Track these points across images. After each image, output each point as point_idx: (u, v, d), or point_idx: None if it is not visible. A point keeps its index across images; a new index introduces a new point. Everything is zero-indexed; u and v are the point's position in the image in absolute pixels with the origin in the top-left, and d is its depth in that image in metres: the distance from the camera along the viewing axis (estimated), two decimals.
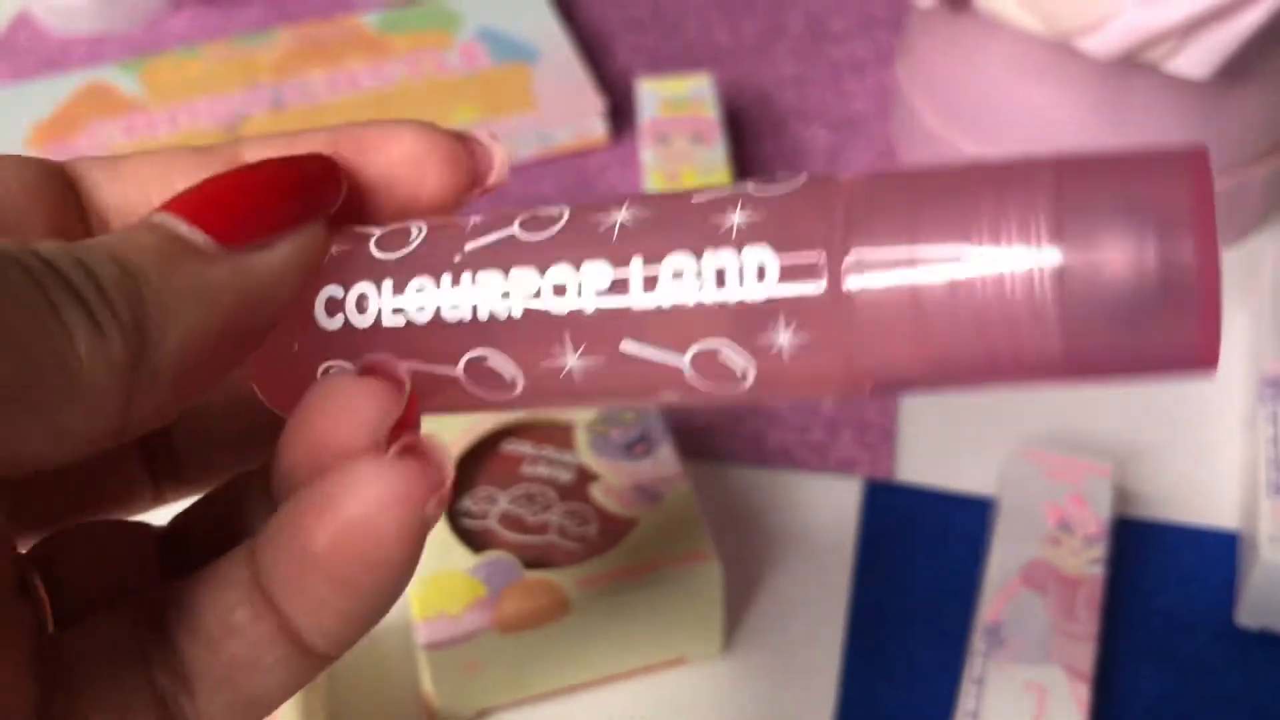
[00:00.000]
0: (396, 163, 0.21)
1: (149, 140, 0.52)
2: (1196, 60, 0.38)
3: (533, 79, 0.54)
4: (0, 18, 0.62)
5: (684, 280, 0.18)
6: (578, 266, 0.19)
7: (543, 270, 0.19)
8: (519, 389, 0.19)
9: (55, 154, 0.52)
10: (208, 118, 0.53)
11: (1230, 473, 0.40)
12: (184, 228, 0.18)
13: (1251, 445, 0.39)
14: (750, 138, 0.53)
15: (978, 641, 0.34)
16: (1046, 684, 0.32)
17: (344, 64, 0.55)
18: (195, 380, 0.17)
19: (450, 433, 0.38)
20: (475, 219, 0.20)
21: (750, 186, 0.18)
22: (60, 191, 0.20)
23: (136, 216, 0.20)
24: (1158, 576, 0.38)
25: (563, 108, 0.52)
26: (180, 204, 0.18)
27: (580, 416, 0.38)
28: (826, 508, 0.40)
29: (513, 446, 0.38)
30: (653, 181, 0.47)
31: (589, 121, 0.53)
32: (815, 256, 0.17)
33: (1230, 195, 0.46)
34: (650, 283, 0.18)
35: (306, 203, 0.19)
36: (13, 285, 0.15)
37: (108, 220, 0.21)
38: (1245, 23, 0.37)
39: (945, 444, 0.42)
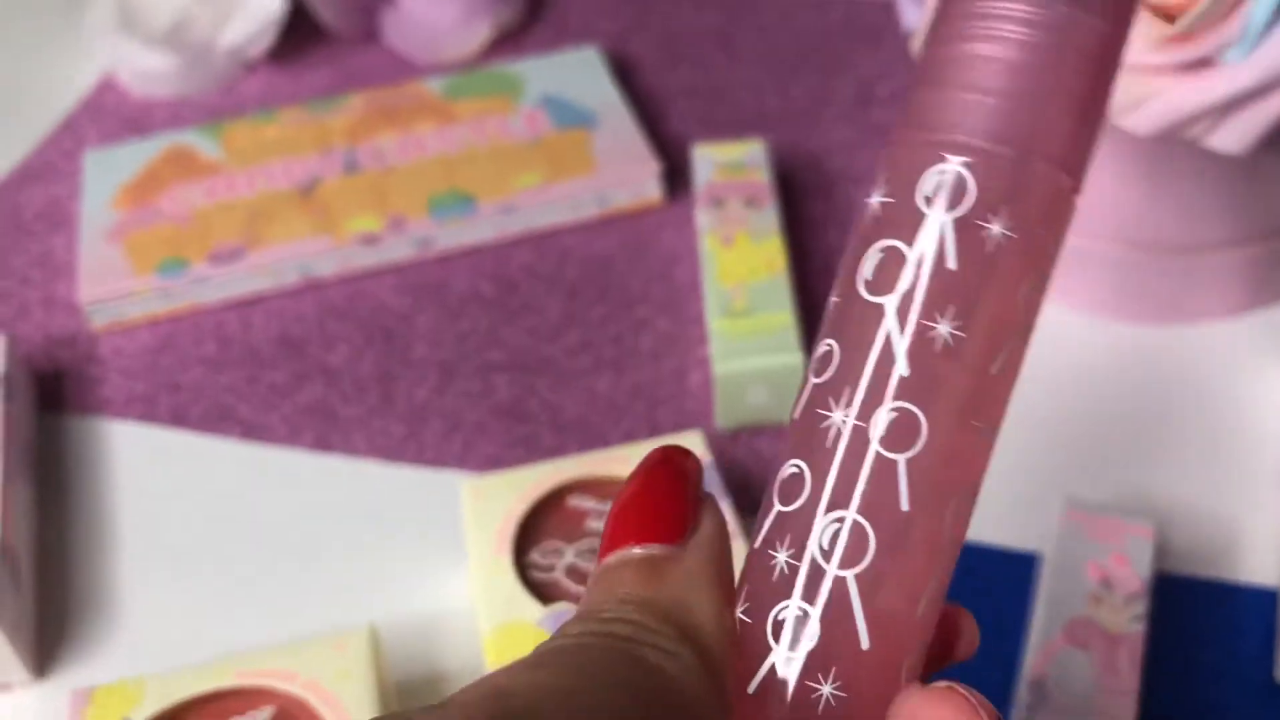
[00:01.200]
0: None
1: (228, 200, 0.55)
2: (1234, 137, 0.40)
3: (592, 143, 0.56)
4: (85, 81, 0.66)
5: None
6: None
7: None
8: None
9: (139, 215, 0.55)
10: (284, 180, 0.56)
11: (1270, 530, 0.42)
12: None
13: None
14: (801, 200, 0.55)
15: (1023, 695, 0.35)
16: None
17: (412, 128, 0.58)
18: None
19: (518, 488, 0.40)
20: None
21: None
22: None
23: None
24: (1198, 632, 0.39)
25: (621, 171, 0.55)
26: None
27: None
28: None
29: (578, 501, 0.41)
30: (708, 243, 0.49)
31: (646, 184, 0.55)
32: None
33: (1272, 259, 0.47)
34: None
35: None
36: None
37: None
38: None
39: (990, 497, 0.43)
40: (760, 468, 0.45)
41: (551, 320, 0.51)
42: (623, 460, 0.41)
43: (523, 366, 0.50)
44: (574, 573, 0.38)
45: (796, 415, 0.22)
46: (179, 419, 0.49)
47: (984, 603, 0.40)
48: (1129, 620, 0.37)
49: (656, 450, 0.24)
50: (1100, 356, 0.48)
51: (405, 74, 0.64)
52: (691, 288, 0.52)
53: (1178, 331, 0.49)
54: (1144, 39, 0.39)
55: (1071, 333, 0.49)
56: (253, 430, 0.48)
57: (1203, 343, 0.48)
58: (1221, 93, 0.39)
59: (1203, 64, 0.39)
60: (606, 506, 0.40)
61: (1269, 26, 0.38)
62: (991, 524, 0.42)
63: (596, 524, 0.40)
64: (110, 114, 0.64)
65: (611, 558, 0.22)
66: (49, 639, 0.42)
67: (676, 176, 0.56)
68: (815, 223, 0.54)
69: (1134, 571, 0.38)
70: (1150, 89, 0.39)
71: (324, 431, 0.48)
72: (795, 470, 0.21)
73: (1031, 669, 0.36)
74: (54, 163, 0.61)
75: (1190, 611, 0.40)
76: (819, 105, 0.60)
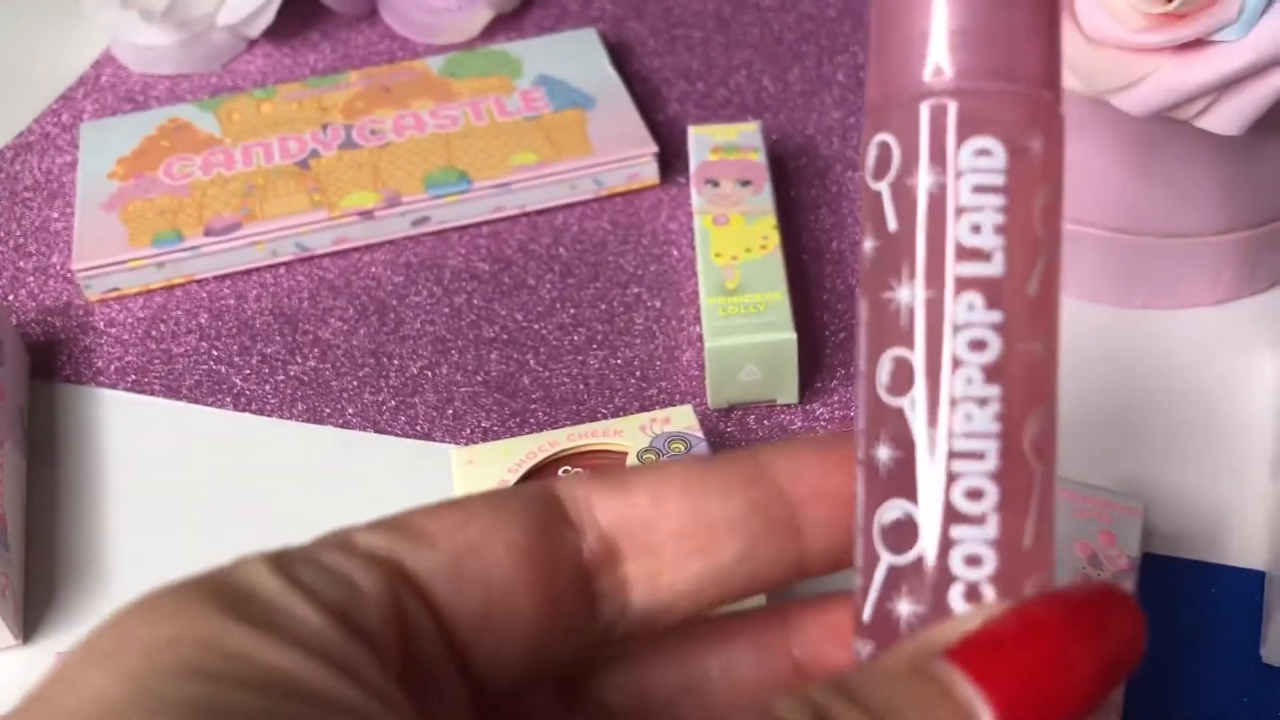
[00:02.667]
0: None
1: (225, 174, 0.55)
2: (1228, 118, 0.40)
3: (589, 124, 0.56)
4: (85, 57, 0.66)
5: None
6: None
7: None
8: None
9: (136, 186, 0.55)
10: (281, 155, 0.56)
11: (1257, 514, 0.42)
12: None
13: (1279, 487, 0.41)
14: (796, 182, 0.55)
15: None
16: None
17: (410, 105, 0.58)
18: None
19: (509, 458, 0.40)
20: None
21: None
22: (540, 509, 0.20)
23: (653, 523, 0.20)
24: (1186, 613, 0.39)
25: (617, 152, 0.55)
26: (998, 687, 0.16)
27: (633, 444, 0.40)
28: None
29: (569, 472, 0.40)
30: (702, 223, 0.49)
31: (642, 165, 0.55)
32: None
33: (1262, 245, 0.47)
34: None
35: (1103, 695, 0.17)
36: None
37: (608, 525, 0.20)
38: (1275, 83, 0.39)
39: None
40: (751, 444, 0.45)
41: (545, 298, 0.51)
42: (615, 433, 0.41)
43: (515, 343, 0.50)
44: None
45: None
46: (171, 389, 0.49)
47: None
48: None
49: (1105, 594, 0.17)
50: (1090, 340, 0.48)
51: (404, 54, 0.64)
52: (686, 269, 0.52)
53: (1167, 316, 0.49)
54: (1139, 18, 0.39)
55: (1062, 316, 0.49)
56: (245, 401, 0.48)
57: (1192, 328, 0.48)
58: (1217, 73, 0.39)
59: (1198, 44, 0.39)
60: None
61: (1265, 6, 0.38)
62: None
63: None
64: (108, 90, 0.64)
65: (963, 688, 0.16)
66: (37, 603, 0.42)
67: (672, 158, 0.56)
68: (809, 204, 0.54)
69: (1122, 550, 0.38)
70: (1144, 69, 0.40)
71: (315, 403, 0.48)
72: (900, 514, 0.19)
73: None
74: (51, 135, 0.61)
75: (1178, 592, 0.40)
76: (815, 89, 0.60)
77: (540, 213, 0.55)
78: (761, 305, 0.45)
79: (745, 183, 0.51)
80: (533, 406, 0.47)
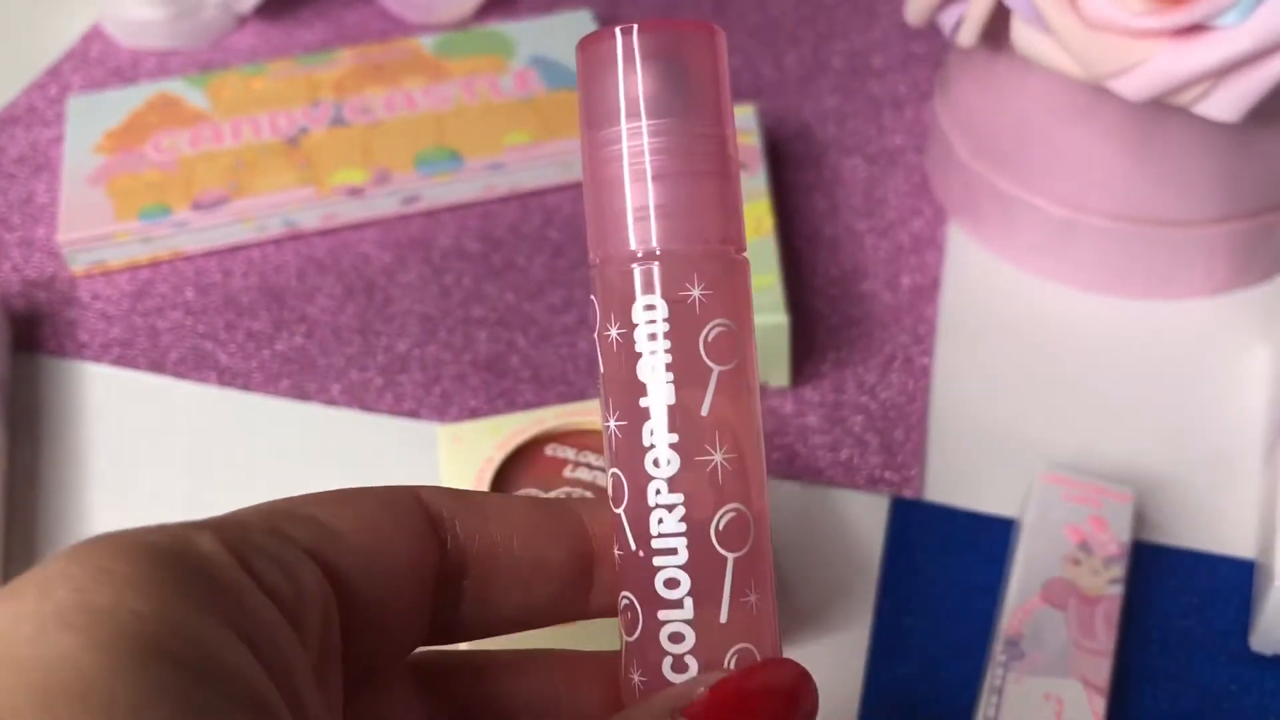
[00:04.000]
0: None
1: (214, 149, 0.54)
2: (1226, 104, 0.40)
3: None
4: (74, 30, 0.65)
5: None
6: None
7: None
8: None
9: (123, 160, 0.54)
10: (270, 131, 0.55)
11: (1250, 504, 0.42)
12: None
13: (1270, 477, 0.40)
14: (791, 167, 0.55)
15: (998, 653, 0.35)
16: (1064, 696, 0.34)
17: (402, 84, 0.57)
18: None
19: (496, 436, 0.40)
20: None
21: None
22: (417, 519, 0.22)
23: (497, 554, 0.22)
24: (1176, 601, 0.39)
25: None
26: None
27: None
28: (855, 523, 0.42)
29: (555, 451, 0.40)
30: None
31: None
32: None
33: (1258, 236, 0.47)
34: None
35: None
36: None
37: (465, 549, 0.22)
38: (1273, 69, 0.38)
39: (972, 466, 0.43)
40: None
41: (535, 278, 0.51)
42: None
43: (505, 323, 0.49)
44: None
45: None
46: (156, 364, 0.48)
47: (965, 565, 0.40)
48: (1107, 583, 0.37)
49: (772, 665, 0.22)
50: (1086, 330, 0.48)
51: (397, 33, 0.63)
52: None
53: (1162, 307, 0.48)
54: (1138, 2, 0.39)
55: (1057, 305, 0.49)
56: (230, 376, 0.48)
57: (1187, 318, 0.48)
58: (1215, 58, 0.38)
59: (1197, 29, 0.39)
60: (584, 457, 0.40)
61: None
62: (974, 491, 0.42)
63: (572, 474, 0.39)
64: (97, 63, 0.63)
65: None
66: (16, 575, 0.41)
67: None
68: (804, 188, 0.54)
69: (1113, 535, 0.38)
70: (1143, 53, 0.39)
71: (301, 380, 0.47)
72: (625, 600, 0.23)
73: (1007, 627, 0.35)
74: (38, 108, 0.60)
75: (1169, 580, 0.40)
76: (811, 74, 0.60)
77: (532, 193, 0.55)
78: (755, 288, 0.45)
79: (740, 165, 0.50)
80: (521, 386, 0.47)
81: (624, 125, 0.22)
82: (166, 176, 0.53)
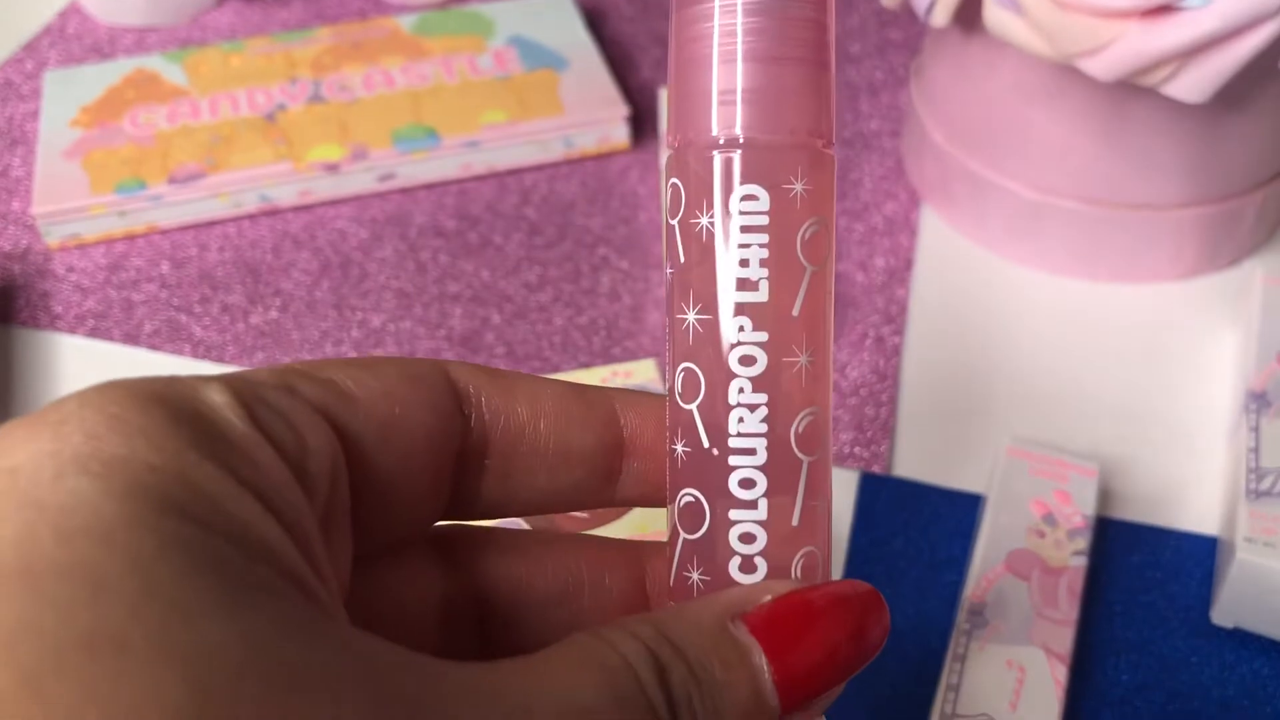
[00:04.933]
0: None
1: (191, 124, 0.54)
2: (1193, 86, 0.40)
3: (561, 85, 0.56)
4: (51, 6, 0.65)
5: None
6: None
7: None
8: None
9: (100, 134, 0.54)
10: (248, 107, 0.55)
11: (1214, 481, 0.42)
12: (769, 689, 0.19)
13: (1233, 456, 0.41)
14: None
15: (962, 621, 0.35)
16: (1026, 663, 0.34)
17: (380, 62, 0.57)
18: None
19: None
20: None
21: None
22: (442, 393, 0.21)
23: (523, 435, 0.22)
24: (1139, 575, 0.40)
25: (588, 113, 0.54)
26: (783, 666, 0.19)
27: None
28: None
29: None
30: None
31: (613, 127, 0.55)
32: None
33: (1224, 222, 0.48)
34: None
35: (853, 674, 0.20)
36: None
37: (490, 428, 0.22)
38: (1240, 50, 0.39)
39: (941, 444, 0.44)
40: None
41: (511, 256, 0.51)
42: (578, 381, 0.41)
43: (480, 299, 0.49)
44: None
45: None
46: (130, 336, 0.48)
47: (931, 538, 0.40)
48: (1070, 555, 0.37)
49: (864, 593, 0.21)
50: (1054, 312, 0.48)
51: (376, 12, 0.63)
52: (654, 232, 0.52)
53: (1130, 290, 0.49)
54: None
55: (1027, 288, 0.49)
56: (204, 349, 0.48)
57: (1154, 302, 0.49)
58: (1183, 39, 0.39)
59: (1165, 10, 0.39)
60: None
61: None
62: (942, 468, 0.43)
63: None
64: (74, 40, 0.63)
65: (758, 657, 0.19)
66: None
67: (644, 123, 0.56)
68: None
69: (1077, 508, 0.38)
70: (1112, 33, 0.40)
71: (275, 353, 0.47)
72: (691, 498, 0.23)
73: (971, 595, 0.36)
74: (14, 83, 0.60)
75: (1133, 555, 0.40)
76: None
77: (509, 173, 0.55)
78: None
79: None
80: (495, 361, 0.47)
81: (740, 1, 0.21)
82: (143, 151, 0.53)
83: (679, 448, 0.22)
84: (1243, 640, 0.38)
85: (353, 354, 0.47)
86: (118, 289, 0.50)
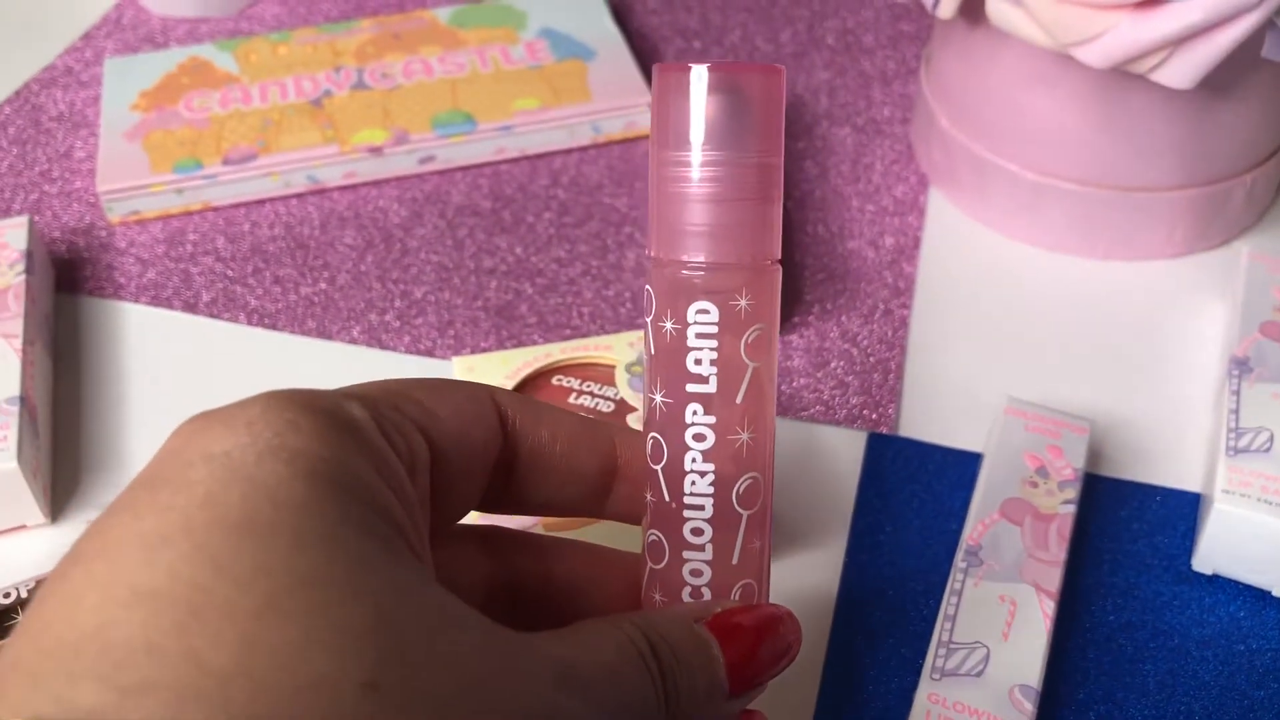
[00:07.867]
0: None
1: (243, 109, 0.58)
2: (1181, 73, 0.43)
3: (589, 74, 0.59)
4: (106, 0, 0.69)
5: None
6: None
7: None
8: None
9: (158, 118, 0.58)
10: (296, 93, 0.59)
11: (1198, 444, 0.45)
12: (722, 674, 0.26)
13: (1216, 420, 0.44)
14: (785, 135, 0.58)
15: (959, 560, 0.38)
16: (1017, 597, 0.37)
17: (419, 52, 0.61)
18: None
19: (507, 367, 0.43)
20: None
21: None
22: (492, 414, 0.27)
23: (542, 452, 0.28)
24: (1126, 527, 0.43)
25: (614, 101, 0.58)
26: (735, 656, 0.26)
27: (621, 358, 0.44)
28: (835, 455, 0.45)
29: (561, 381, 0.44)
30: None
31: (638, 114, 0.58)
32: None
33: (1214, 203, 0.51)
34: None
35: (778, 671, 0.27)
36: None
37: (519, 443, 0.28)
38: (1224, 40, 0.42)
39: (943, 407, 0.47)
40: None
41: (542, 234, 0.55)
42: (604, 348, 0.44)
43: (513, 273, 0.53)
44: None
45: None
46: (189, 305, 0.52)
47: (933, 492, 0.44)
48: (1060, 503, 0.40)
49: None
50: (1052, 288, 0.51)
51: (414, 4, 0.67)
52: None
53: (1125, 267, 0.52)
54: None
55: (1027, 265, 0.52)
56: (258, 318, 0.51)
57: (1147, 278, 0.52)
58: (1171, 28, 0.42)
59: (1154, 2, 0.42)
60: (587, 386, 0.43)
61: None
62: (944, 428, 0.46)
63: (577, 401, 0.43)
64: (129, 30, 0.67)
65: (716, 649, 0.26)
66: (62, 487, 0.45)
67: None
68: (796, 155, 0.58)
69: (1068, 461, 0.41)
70: (1105, 24, 0.43)
71: (324, 321, 0.51)
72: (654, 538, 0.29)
73: (968, 538, 0.39)
74: (74, 70, 0.64)
75: (1120, 509, 0.43)
76: (805, 50, 0.63)
77: (540, 156, 0.58)
78: None
79: None
80: (528, 330, 0.50)
81: (696, 150, 0.26)
82: (199, 133, 0.57)
83: (649, 497, 0.28)
84: (1221, 586, 0.41)
85: (396, 323, 0.51)
86: (175, 261, 0.54)
